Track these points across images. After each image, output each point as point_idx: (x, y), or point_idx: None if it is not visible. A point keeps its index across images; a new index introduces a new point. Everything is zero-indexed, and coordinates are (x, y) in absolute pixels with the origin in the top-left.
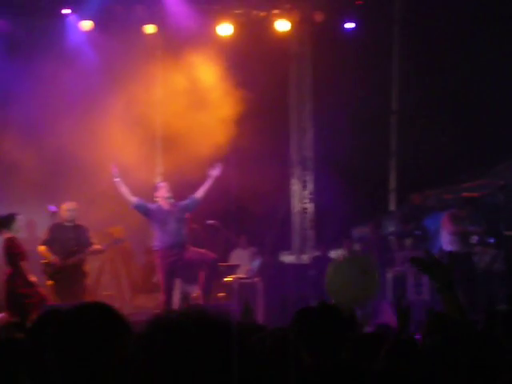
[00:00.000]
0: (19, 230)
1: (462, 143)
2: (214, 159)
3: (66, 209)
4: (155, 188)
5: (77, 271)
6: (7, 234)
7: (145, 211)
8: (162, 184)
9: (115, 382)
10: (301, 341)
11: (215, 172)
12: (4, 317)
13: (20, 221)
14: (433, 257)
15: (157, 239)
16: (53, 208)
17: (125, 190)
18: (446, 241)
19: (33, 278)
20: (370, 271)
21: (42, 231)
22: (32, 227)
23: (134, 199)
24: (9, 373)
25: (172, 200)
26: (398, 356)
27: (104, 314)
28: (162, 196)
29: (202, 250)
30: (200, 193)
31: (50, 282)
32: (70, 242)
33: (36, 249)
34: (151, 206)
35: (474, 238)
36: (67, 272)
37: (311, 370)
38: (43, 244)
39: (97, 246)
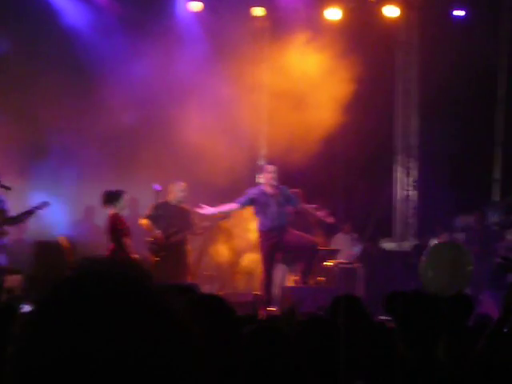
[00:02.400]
0: (124, 208)
1: None
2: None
3: (180, 189)
4: (261, 169)
5: (180, 250)
6: (112, 210)
7: (250, 203)
8: (268, 167)
9: None
10: (398, 331)
11: (324, 218)
12: None
13: (126, 199)
14: None
15: (259, 222)
16: (158, 187)
17: (222, 209)
18: None
19: (135, 255)
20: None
21: (145, 210)
22: (135, 205)
23: (235, 206)
24: None
25: (275, 183)
26: (498, 346)
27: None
28: (267, 180)
29: (303, 234)
30: (303, 206)
31: (155, 259)
32: (174, 220)
33: (139, 225)
34: (253, 192)
35: None
36: (171, 250)
37: (413, 366)
38: (146, 218)
39: (203, 223)
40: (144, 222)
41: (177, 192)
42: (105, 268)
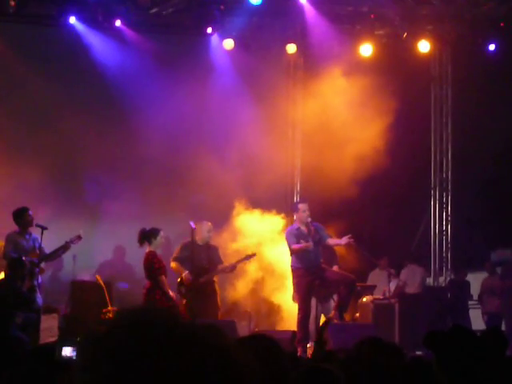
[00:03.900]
0: (159, 246)
1: None
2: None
3: (206, 229)
4: (294, 207)
5: (208, 289)
6: (148, 248)
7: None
8: (301, 206)
9: None
10: (442, 367)
11: (345, 242)
12: None
13: (162, 237)
14: None
15: (296, 260)
16: (193, 224)
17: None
18: None
19: (171, 293)
20: None
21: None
22: (167, 244)
23: (296, 248)
24: None
25: (310, 219)
26: None
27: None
28: (301, 220)
29: (340, 271)
30: (331, 242)
31: (184, 301)
32: (202, 260)
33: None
34: (293, 233)
35: None
36: (200, 290)
37: None
38: (174, 261)
39: (229, 263)
40: (172, 264)
41: (203, 232)
42: (140, 318)
